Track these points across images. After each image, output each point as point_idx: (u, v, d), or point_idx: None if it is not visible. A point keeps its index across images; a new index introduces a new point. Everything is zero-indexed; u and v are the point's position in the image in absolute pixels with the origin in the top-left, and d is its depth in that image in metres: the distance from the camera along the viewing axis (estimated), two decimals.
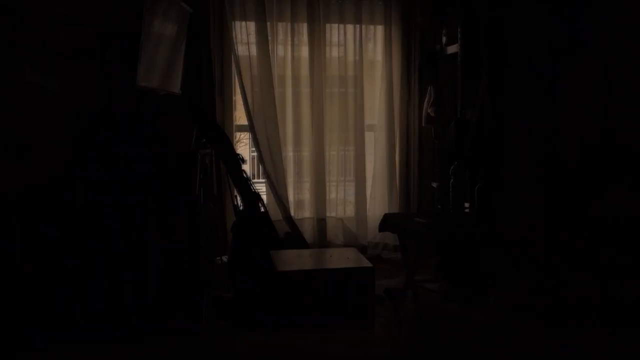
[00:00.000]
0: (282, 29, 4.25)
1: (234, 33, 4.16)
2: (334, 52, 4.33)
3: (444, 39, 4.06)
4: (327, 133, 4.33)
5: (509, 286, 2.25)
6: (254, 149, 4.65)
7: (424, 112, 4.25)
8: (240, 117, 4.53)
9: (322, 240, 4.35)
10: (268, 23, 4.17)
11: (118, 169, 2.71)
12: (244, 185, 3.44)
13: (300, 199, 4.39)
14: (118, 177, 2.69)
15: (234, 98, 4.34)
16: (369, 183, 4.42)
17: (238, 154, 3.54)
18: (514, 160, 2.18)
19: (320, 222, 4.35)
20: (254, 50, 4.21)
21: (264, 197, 3.97)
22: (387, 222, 3.41)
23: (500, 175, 2.51)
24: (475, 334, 2.78)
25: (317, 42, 4.25)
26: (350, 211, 4.49)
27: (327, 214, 4.38)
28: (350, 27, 4.33)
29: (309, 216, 4.38)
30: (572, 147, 2.42)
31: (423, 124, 4.34)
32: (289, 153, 4.33)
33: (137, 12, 2.90)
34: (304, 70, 4.27)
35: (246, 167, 3.99)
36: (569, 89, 2.44)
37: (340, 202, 4.47)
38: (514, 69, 2.15)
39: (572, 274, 2.29)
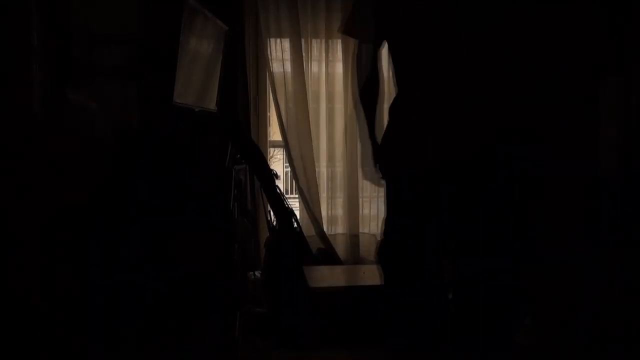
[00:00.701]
0: (316, 46, 4.27)
1: (268, 50, 4.21)
2: None
3: None
4: (360, 149, 4.32)
5: (548, 305, 2.20)
6: (287, 164, 4.68)
7: None
8: (274, 133, 4.57)
9: (355, 257, 4.33)
10: (302, 40, 4.21)
11: (154, 186, 2.75)
12: (278, 201, 3.45)
13: (333, 215, 4.38)
14: (154, 193, 2.73)
15: (268, 114, 4.38)
16: None
17: (272, 170, 3.56)
18: (552, 176, 2.13)
19: (354, 238, 4.33)
20: (288, 67, 4.25)
21: (297, 212, 3.98)
22: None
23: (539, 192, 2.46)
24: (513, 355, 2.71)
25: (351, 58, 4.25)
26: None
27: (361, 230, 4.36)
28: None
29: (342, 232, 4.37)
30: (612, 166, 2.36)
31: None
32: (322, 168, 4.34)
33: (174, 30, 2.96)
34: (338, 87, 4.29)
35: (280, 183, 4.01)
36: (610, 105, 2.39)
37: (374, 218, 4.44)
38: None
39: (616, 294, 2.23)
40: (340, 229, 4.38)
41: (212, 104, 3.69)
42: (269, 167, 3.57)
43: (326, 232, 4.25)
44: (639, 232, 2.22)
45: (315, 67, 4.29)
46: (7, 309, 2.03)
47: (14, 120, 2.04)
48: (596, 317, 2.25)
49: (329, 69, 4.29)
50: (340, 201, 4.38)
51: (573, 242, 2.14)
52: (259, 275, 3.72)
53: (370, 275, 3.14)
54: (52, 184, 2.19)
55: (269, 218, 3.63)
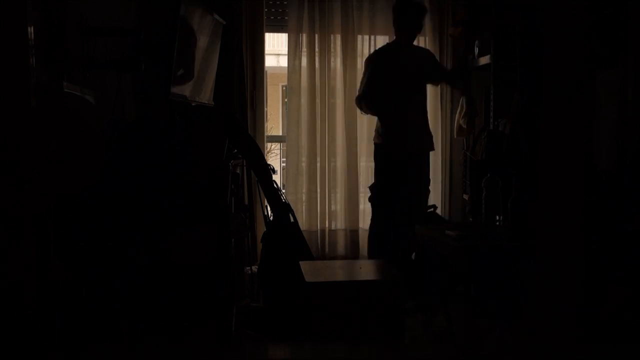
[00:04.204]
0: (314, 40, 4.26)
1: (266, 44, 4.20)
2: None
3: (476, 50, 4.02)
4: (359, 143, 4.32)
5: (544, 302, 2.20)
6: (284, 159, 4.69)
7: (455, 123, 4.21)
8: (271, 127, 4.57)
9: (354, 252, 4.34)
10: (301, 34, 4.20)
11: (151, 179, 2.74)
12: (275, 195, 3.45)
13: (332, 210, 4.39)
14: (151, 187, 2.73)
15: (265, 109, 4.38)
16: None
17: (269, 164, 3.56)
18: (549, 172, 2.13)
19: (353, 233, 4.33)
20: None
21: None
22: (417, 235, 3.38)
23: (535, 188, 2.47)
24: (507, 351, 2.72)
25: (350, 53, 4.26)
26: None
27: (360, 225, 4.36)
28: (380, 38, 4.33)
29: (342, 227, 4.37)
30: (612, 159, 2.36)
31: (455, 136, 4.30)
32: (320, 163, 4.34)
33: (171, 23, 2.95)
34: (335, 81, 4.28)
35: (276, 178, 4.01)
36: (607, 99, 2.39)
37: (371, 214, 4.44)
38: (550, 79, 2.12)
39: (616, 290, 2.23)
40: (339, 224, 4.38)
41: (209, 98, 3.68)
42: (265, 162, 3.56)
43: (326, 228, 4.28)
44: (637, 225, 2.22)
45: (314, 62, 4.28)
46: (6, 304, 2.03)
47: (12, 113, 2.04)
48: (593, 312, 2.25)
49: (328, 63, 4.28)
50: (339, 196, 4.38)
51: (571, 237, 2.14)
52: (255, 269, 3.72)
53: (367, 271, 3.15)
54: (50, 177, 2.18)
55: (265, 212, 3.62)
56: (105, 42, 2.81)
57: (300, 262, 3.01)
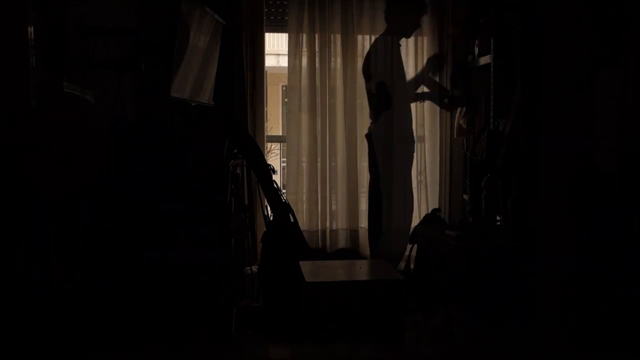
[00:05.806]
0: (314, 40, 4.25)
1: (266, 44, 4.20)
2: None
3: (476, 50, 4.02)
4: (359, 144, 4.32)
5: (544, 301, 2.20)
6: (284, 159, 4.69)
7: (455, 123, 4.21)
8: (271, 127, 4.57)
9: (355, 252, 4.33)
10: (301, 34, 4.20)
11: (151, 179, 2.75)
12: (275, 195, 3.45)
13: (333, 210, 4.39)
14: (151, 187, 2.73)
15: (265, 109, 4.37)
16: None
17: (269, 164, 3.56)
18: (549, 172, 2.14)
19: (353, 233, 4.33)
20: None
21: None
22: (417, 235, 3.38)
23: (535, 188, 2.47)
24: (506, 353, 2.72)
25: (350, 53, 4.26)
26: None
27: (360, 225, 4.36)
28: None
29: (342, 227, 4.37)
30: (612, 159, 2.36)
31: (455, 136, 4.30)
32: (320, 163, 4.34)
33: (171, 24, 2.95)
34: (335, 81, 4.28)
35: (277, 178, 4.01)
36: (607, 99, 2.39)
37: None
38: (550, 79, 2.12)
39: (615, 290, 2.23)
40: (339, 224, 4.38)
41: (209, 98, 3.68)
42: (265, 162, 3.57)
43: (326, 228, 4.29)
44: (637, 225, 2.22)
45: (314, 62, 4.27)
46: (6, 305, 2.03)
47: (11, 113, 2.04)
48: (593, 313, 2.25)
49: (328, 63, 4.27)
50: (339, 196, 4.38)
51: (570, 237, 2.15)
52: (255, 269, 3.72)
53: (366, 271, 3.15)
54: (50, 177, 2.18)
55: (265, 212, 3.63)
56: (105, 42, 2.81)
57: (300, 262, 3.01)
